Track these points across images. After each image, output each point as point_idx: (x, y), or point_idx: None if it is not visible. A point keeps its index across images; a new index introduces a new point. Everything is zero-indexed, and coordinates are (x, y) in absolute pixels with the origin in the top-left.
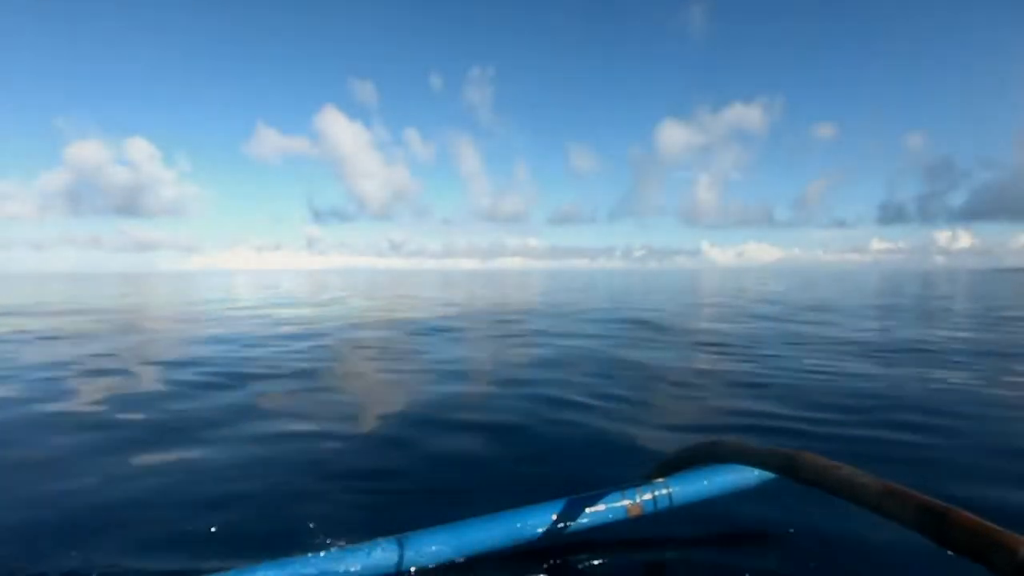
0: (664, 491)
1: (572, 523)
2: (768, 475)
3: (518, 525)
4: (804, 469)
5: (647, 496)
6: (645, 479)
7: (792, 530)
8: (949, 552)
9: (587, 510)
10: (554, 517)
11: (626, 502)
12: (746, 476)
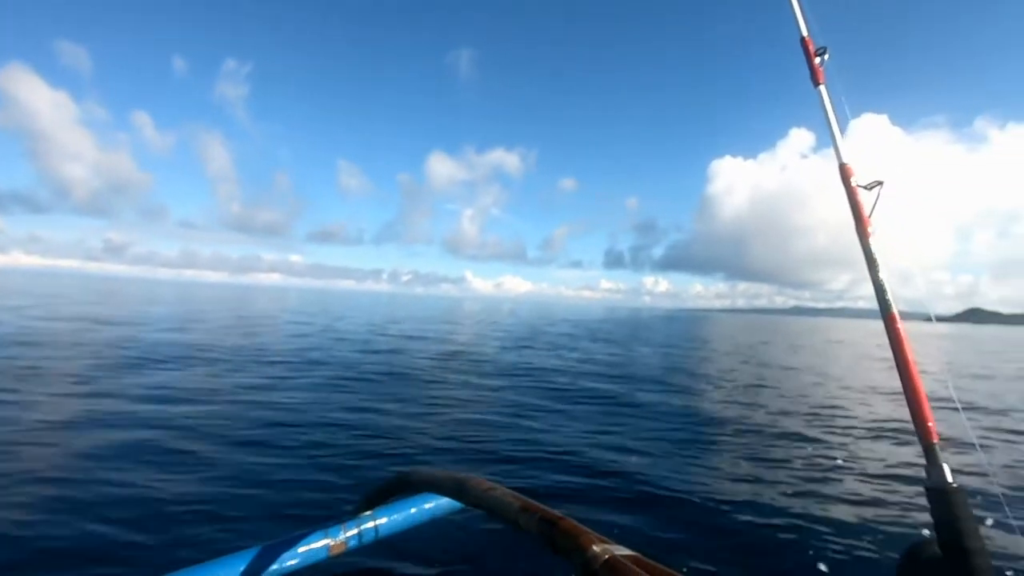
0: (370, 524)
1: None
2: (450, 503)
3: None
4: (471, 493)
5: (352, 531)
6: (352, 513)
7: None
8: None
9: (283, 555)
10: (242, 570)
11: (328, 541)
12: (443, 503)
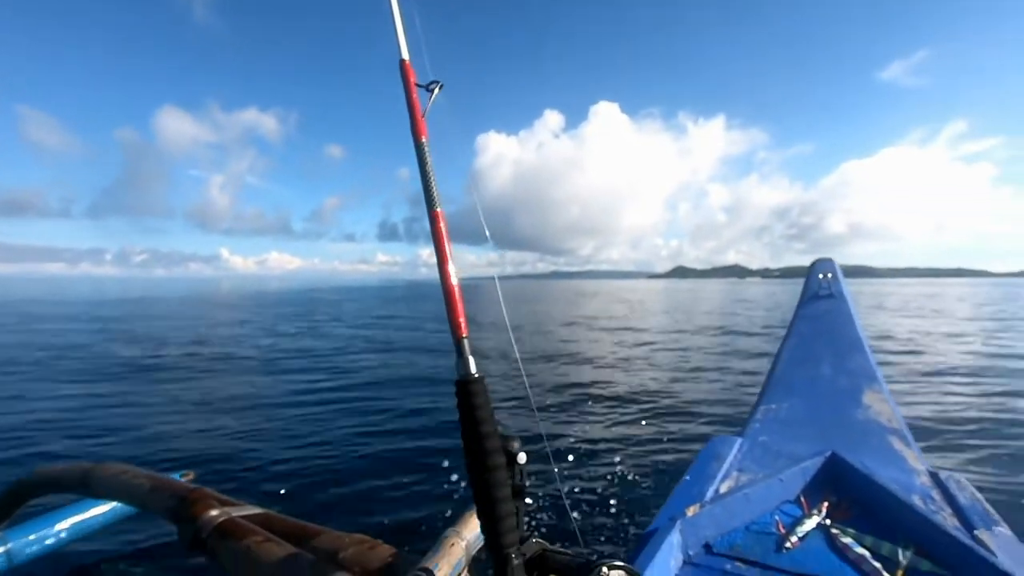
0: None
1: None
2: (124, 506)
3: None
4: (98, 483)
5: None
6: None
7: None
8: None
9: None
10: None
11: None
12: (105, 509)
